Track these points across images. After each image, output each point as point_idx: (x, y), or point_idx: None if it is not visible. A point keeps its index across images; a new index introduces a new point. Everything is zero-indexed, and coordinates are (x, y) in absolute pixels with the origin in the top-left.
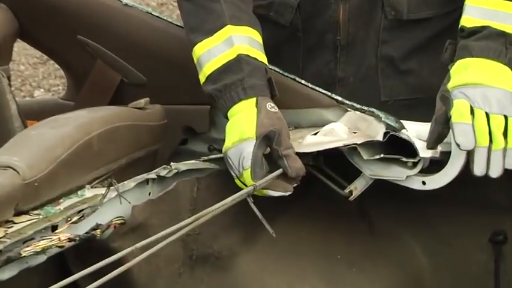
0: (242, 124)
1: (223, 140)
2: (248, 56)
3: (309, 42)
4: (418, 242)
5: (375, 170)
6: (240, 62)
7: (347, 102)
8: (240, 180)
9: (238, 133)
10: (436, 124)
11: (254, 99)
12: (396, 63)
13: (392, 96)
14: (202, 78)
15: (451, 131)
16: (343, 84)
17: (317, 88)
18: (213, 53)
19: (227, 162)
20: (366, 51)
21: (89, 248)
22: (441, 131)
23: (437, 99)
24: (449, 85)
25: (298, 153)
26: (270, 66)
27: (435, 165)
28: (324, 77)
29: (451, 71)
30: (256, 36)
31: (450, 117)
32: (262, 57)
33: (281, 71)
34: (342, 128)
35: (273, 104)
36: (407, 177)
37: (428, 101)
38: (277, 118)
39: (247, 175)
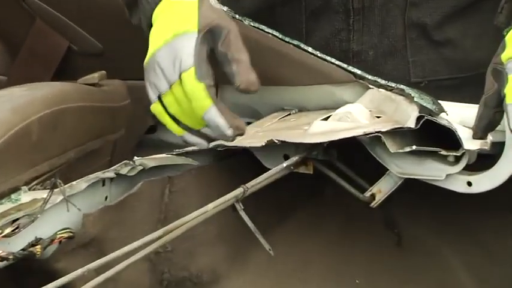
0: (178, 16)
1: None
2: None
3: (313, 3)
4: (460, 259)
5: (404, 167)
6: None
7: (368, 76)
8: (171, 96)
9: (172, 27)
10: (485, 107)
11: None
12: (430, 31)
13: (426, 75)
14: None
15: (505, 115)
16: (359, 61)
17: (328, 58)
18: None
19: (151, 72)
20: (388, 16)
21: (26, 269)
22: (492, 116)
23: (488, 74)
24: (504, 56)
25: (302, 145)
26: (265, 28)
27: (485, 161)
28: (333, 51)
29: (506, 38)
30: None
31: (504, 96)
32: None
33: (280, 35)
34: (361, 111)
35: (218, 3)
36: (447, 176)
37: (474, 80)
38: (225, 15)
39: (188, 78)
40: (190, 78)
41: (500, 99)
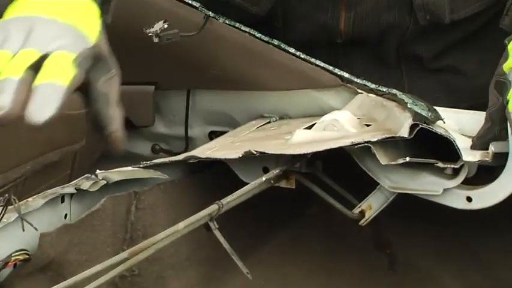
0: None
1: (174, 137)
2: None
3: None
4: (461, 284)
5: (397, 181)
6: None
7: (357, 80)
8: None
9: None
10: (490, 123)
11: None
12: (426, 63)
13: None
14: None
15: (508, 124)
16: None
17: (313, 60)
18: None
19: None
20: (381, 51)
21: None
22: (497, 134)
23: (491, 88)
24: (506, 66)
25: (283, 156)
26: (242, 27)
27: (486, 174)
28: None
29: (508, 47)
30: None
31: (507, 103)
32: None
33: (258, 34)
34: (349, 119)
35: None
36: (445, 190)
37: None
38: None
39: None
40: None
41: (505, 115)
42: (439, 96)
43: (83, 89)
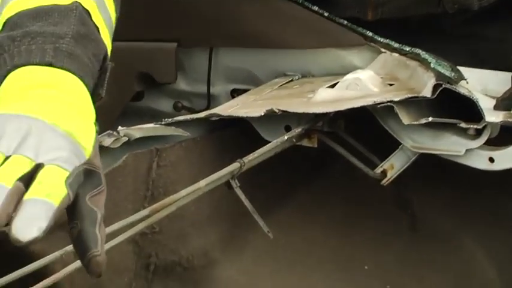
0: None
1: (196, 95)
2: (90, 15)
3: None
4: (482, 244)
5: (419, 141)
6: (72, 12)
7: (380, 39)
8: None
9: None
10: None
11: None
12: (448, 31)
13: None
14: None
15: None
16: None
17: (336, 18)
18: None
19: None
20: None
21: None
22: None
23: None
24: None
25: (306, 115)
26: None
27: (508, 135)
28: None
29: None
30: (110, 4)
31: None
32: (106, 37)
33: None
34: (372, 78)
35: None
36: (467, 151)
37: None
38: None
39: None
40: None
41: None
42: (461, 61)
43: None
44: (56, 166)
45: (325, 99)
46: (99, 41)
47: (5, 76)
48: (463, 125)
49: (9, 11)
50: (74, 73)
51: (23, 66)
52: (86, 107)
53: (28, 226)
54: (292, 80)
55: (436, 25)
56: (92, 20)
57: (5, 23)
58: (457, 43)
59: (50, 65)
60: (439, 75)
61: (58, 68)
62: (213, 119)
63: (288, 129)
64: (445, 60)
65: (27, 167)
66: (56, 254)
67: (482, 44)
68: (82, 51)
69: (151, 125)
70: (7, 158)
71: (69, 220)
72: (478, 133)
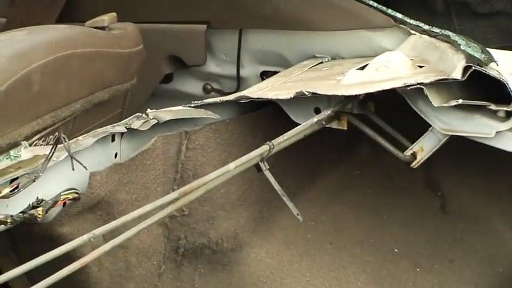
0: None
1: (225, 77)
2: None
3: None
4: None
5: (449, 123)
6: None
7: (410, 21)
8: None
9: None
10: None
11: None
12: (474, 7)
13: None
14: None
15: None
16: None
17: (366, 0)
18: None
19: None
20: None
21: (27, 234)
22: None
23: None
24: None
25: (335, 97)
26: None
27: None
28: None
29: None
30: None
31: None
32: None
33: None
34: (401, 60)
35: None
36: (497, 133)
37: None
38: None
39: None
40: None
41: None
42: (490, 37)
43: None
44: None
45: (354, 81)
46: None
47: None
48: (493, 107)
49: None
50: None
51: None
52: None
53: None
54: (321, 62)
55: (463, 2)
56: None
57: None
58: (485, 20)
59: None
60: (469, 57)
61: None
62: (243, 101)
63: (317, 111)
64: (475, 42)
65: None
66: (84, 238)
67: (510, 20)
68: None
69: (180, 107)
70: None
71: None
72: (508, 115)
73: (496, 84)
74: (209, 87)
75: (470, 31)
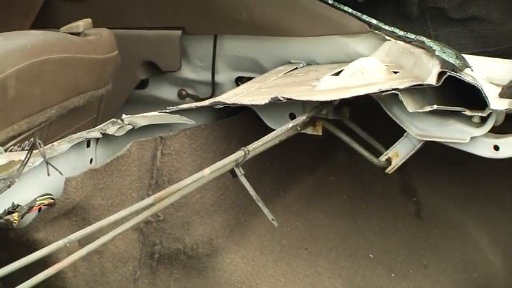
0: None
1: (200, 82)
2: None
3: None
4: (487, 233)
5: (424, 129)
6: None
7: (385, 27)
8: None
9: None
10: None
11: None
12: (449, 12)
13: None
14: None
15: None
16: None
17: (341, 6)
18: None
19: None
20: (403, 6)
21: (2, 240)
22: None
23: None
24: None
25: (310, 102)
26: None
27: None
28: None
29: None
30: None
31: None
32: None
33: None
34: (376, 66)
35: None
36: (472, 139)
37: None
38: None
39: None
40: None
41: None
42: (464, 43)
43: None
44: None
45: (329, 87)
46: None
47: None
48: (467, 112)
49: None
50: None
51: None
52: None
53: None
54: (296, 68)
55: (438, 8)
56: None
57: None
58: (459, 26)
59: None
60: (443, 63)
61: None
62: (218, 106)
63: (292, 117)
64: (450, 47)
65: None
66: (59, 243)
67: (485, 26)
68: None
69: (155, 113)
70: None
71: None
72: (483, 121)
73: (471, 90)
74: (184, 92)
75: (445, 37)
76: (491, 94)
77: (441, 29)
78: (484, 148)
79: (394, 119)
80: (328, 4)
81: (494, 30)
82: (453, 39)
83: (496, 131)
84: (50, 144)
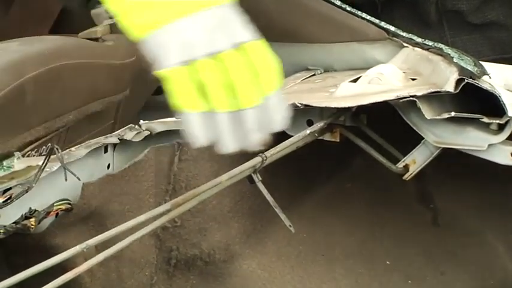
0: None
1: None
2: None
3: None
4: (504, 241)
5: (442, 136)
6: None
7: (403, 34)
8: (212, 65)
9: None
10: None
11: None
12: (467, 16)
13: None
14: None
15: None
16: None
17: (359, 13)
18: None
19: (182, 34)
20: (421, 9)
21: (19, 245)
22: None
23: None
24: None
25: (328, 109)
26: None
27: None
28: None
29: None
30: None
31: None
32: None
33: None
34: (394, 73)
35: None
36: (489, 146)
37: None
38: None
39: (263, 48)
40: (266, 49)
41: None
42: (482, 50)
43: None
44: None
45: (347, 93)
46: None
47: None
48: (485, 119)
49: None
50: None
51: None
52: None
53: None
54: (314, 75)
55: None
56: None
57: None
58: (477, 32)
59: None
60: (461, 70)
61: None
62: None
63: (310, 123)
64: (467, 55)
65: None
66: (77, 248)
67: (502, 32)
68: None
69: (173, 118)
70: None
71: None
72: (501, 128)
73: (489, 97)
74: None
75: (463, 43)
76: (509, 101)
77: (459, 35)
78: (502, 155)
79: (411, 125)
80: (346, 11)
81: (511, 36)
82: (470, 45)
83: None
84: (68, 150)
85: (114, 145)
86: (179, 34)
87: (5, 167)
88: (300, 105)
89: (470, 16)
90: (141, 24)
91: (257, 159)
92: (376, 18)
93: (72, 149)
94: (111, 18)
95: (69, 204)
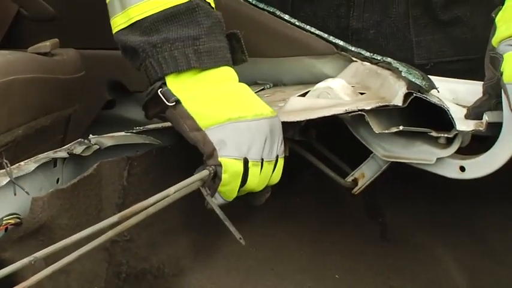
0: (240, 99)
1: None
2: (205, 1)
3: None
4: (452, 253)
5: (390, 150)
6: (194, 11)
7: (351, 48)
8: (258, 167)
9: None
10: (488, 96)
11: (227, 68)
12: (435, 10)
13: (432, 57)
14: (121, 22)
15: (503, 94)
16: (358, 39)
17: (307, 27)
18: None
19: (245, 134)
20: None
21: None
22: (493, 106)
23: (486, 63)
24: (494, 40)
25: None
26: None
27: (479, 144)
28: (330, 28)
29: (496, 21)
30: None
31: (501, 75)
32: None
33: (253, 1)
34: (343, 87)
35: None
36: (438, 160)
37: (483, 63)
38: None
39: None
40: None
41: (501, 90)
42: (444, 50)
43: None
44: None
45: (296, 107)
46: (217, 18)
47: (156, 80)
48: (433, 133)
49: (136, 13)
50: (217, 66)
51: (172, 73)
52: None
53: None
54: (263, 89)
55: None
56: (210, 5)
57: (133, 24)
58: (441, 32)
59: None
60: (410, 84)
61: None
62: None
63: None
64: (415, 69)
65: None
66: (24, 261)
67: (466, 33)
68: (215, 39)
69: (122, 133)
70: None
71: None
72: (449, 142)
73: (437, 111)
74: None
75: (427, 42)
76: (457, 115)
77: (423, 35)
78: (450, 169)
79: (360, 139)
80: (295, 25)
81: (475, 37)
82: (434, 46)
83: (463, 152)
84: (17, 164)
85: (64, 159)
86: (238, 133)
87: None
88: None
89: (438, 11)
90: (208, 115)
91: (205, 172)
92: (347, 9)
93: (21, 163)
94: None
95: (19, 218)
